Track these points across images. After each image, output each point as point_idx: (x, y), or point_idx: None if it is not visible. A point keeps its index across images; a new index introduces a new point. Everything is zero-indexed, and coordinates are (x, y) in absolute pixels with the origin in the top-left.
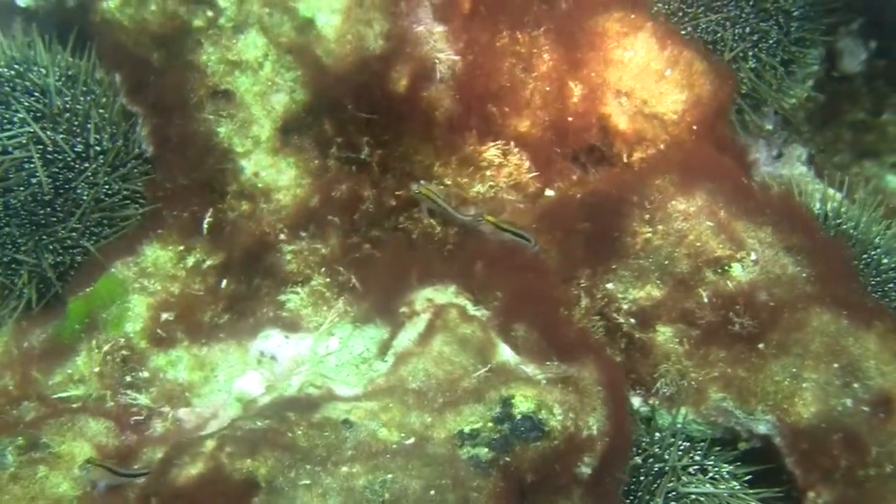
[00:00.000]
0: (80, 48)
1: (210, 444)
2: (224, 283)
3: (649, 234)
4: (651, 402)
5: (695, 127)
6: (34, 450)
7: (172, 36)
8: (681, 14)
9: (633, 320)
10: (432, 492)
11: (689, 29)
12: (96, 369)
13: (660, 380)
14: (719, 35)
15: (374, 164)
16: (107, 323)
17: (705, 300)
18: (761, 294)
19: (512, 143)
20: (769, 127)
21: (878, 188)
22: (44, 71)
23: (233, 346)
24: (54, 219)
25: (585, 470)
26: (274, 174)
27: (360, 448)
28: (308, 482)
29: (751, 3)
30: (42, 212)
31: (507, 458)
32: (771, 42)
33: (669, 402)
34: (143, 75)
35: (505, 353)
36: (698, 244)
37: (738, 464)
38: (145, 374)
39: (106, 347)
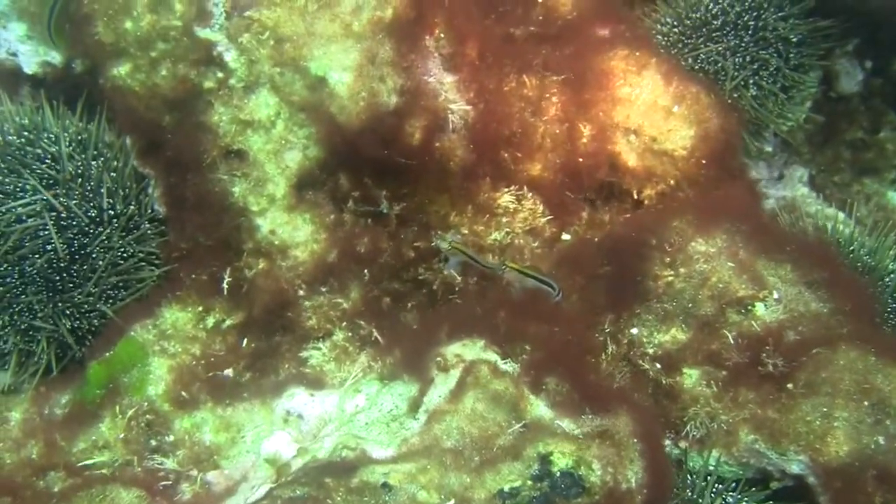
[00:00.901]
0: (88, 113)
1: None
2: (245, 341)
3: (671, 278)
4: (682, 445)
5: (704, 161)
6: None
7: (184, 99)
8: (680, 45)
9: (658, 365)
10: None
11: (690, 60)
12: (121, 435)
13: (689, 423)
14: (720, 65)
15: (392, 217)
16: (128, 387)
17: (731, 341)
18: (788, 333)
19: (525, 188)
20: (769, 149)
21: (880, 205)
22: (53, 137)
23: (257, 406)
24: (71, 284)
25: None
26: (290, 231)
27: None
28: None
29: (750, 31)
30: (58, 278)
31: None
32: (771, 69)
33: (700, 445)
34: (155, 138)
35: (539, 408)
36: (721, 286)
37: (771, 503)
38: (171, 438)
39: (130, 412)
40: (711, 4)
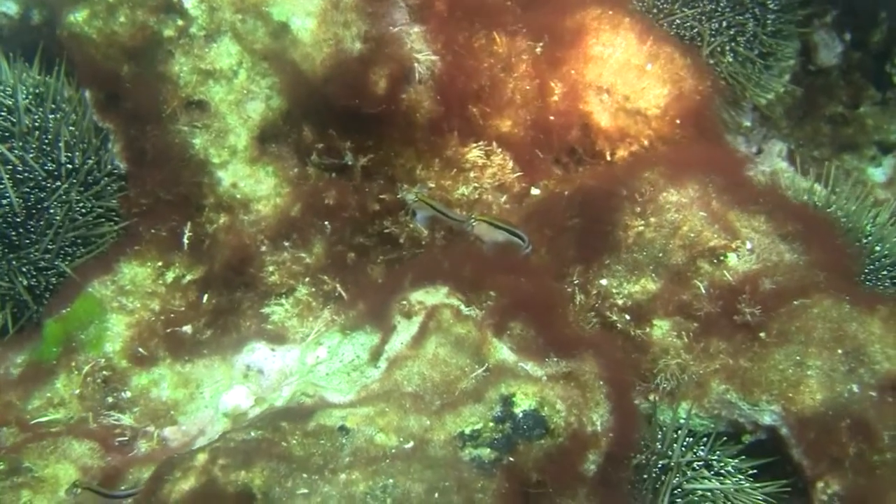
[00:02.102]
0: (47, 66)
1: (202, 458)
2: (205, 297)
3: (641, 227)
4: (651, 398)
5: (678, 121)
6: (16, 474)
7: (143, 47)
8: (655, 11)
9: (627, 316)
10: (436, 494)
11: (665, 25)
12: (76, 391)
13: (659, 375)
14: (696, 30)
15: (357, 170)
16: (85, 344)
17: (703, 291)
18: (762, 282)
19: (494, 144)
20: (747, 123)
21: (860, 181)
22: (10, 90)
23: (217, 362)
24: (27, 240)
25: (591, 467)
26: (252, 184)
27: (358, 454)
28: (306, 491)
29: None
30: (14, 234)
31: (511, 458)
32: (748, 35)
33: (670, 398)
34: (113, 89)
35: (503, 351)
36: (692, 235)
37: (743, 457)
38: (128, 394)
39: (86, 369)
40: None
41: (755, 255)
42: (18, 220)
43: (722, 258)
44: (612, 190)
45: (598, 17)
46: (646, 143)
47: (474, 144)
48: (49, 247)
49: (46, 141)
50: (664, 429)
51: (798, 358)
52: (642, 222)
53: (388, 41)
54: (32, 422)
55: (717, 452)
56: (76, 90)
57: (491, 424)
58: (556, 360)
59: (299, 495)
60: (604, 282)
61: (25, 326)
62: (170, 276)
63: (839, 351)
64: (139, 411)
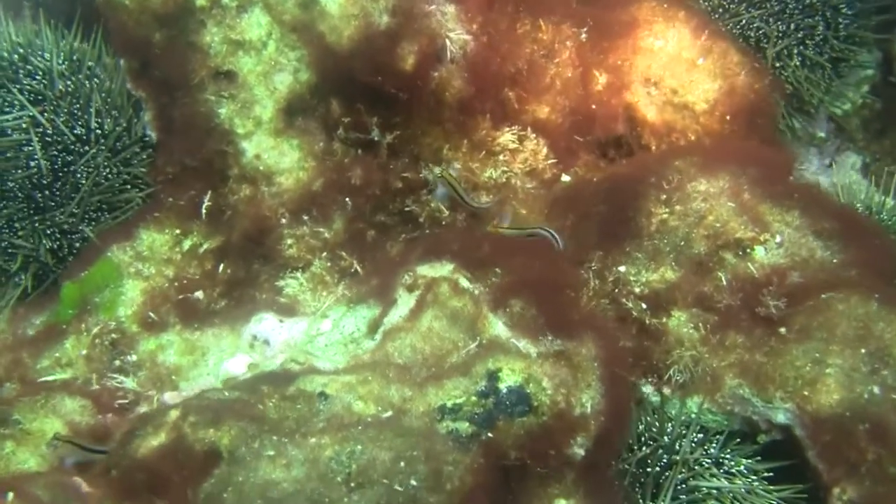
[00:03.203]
0: (88, 34)
1: (174, 414)
2: (221, 267)
3: (665, 215)
4: (663, 390)
5: (728, 118)
6: (3, 426)
7: (175, 15)
8: (721, 10)
9: (643, 305)
10: (402, 463)
11: (731, 25)
12: (84, 352)
13: (672, 367)
14: (762, 32)
15: (384, 146)
16: (100, 307)
17: (724, 283)
18: (788, 276)
19: (529, 129)
20: (822, 135)
21: None
22: (47, 55)
23: (226, 331)
24: (52, 203)
25: (578, 451)
26: (276, 156)
27: (333, 420)
28: (272, 453)
29: None
30: (40, 196)
31: (490, 434)
32: (817, 38)
33: (682, 391)
34: (145, 57)
35: (497, 327)
36: (718, 225)
37: (758, 458)
38: (134, 358)
39: (95, 330)
40: None
41: (784, 248)
42: (45, 182)
43: (749, 250)
44: (640, 177)
45: (653, 10)
46: (693, 138)
47: (507, 129)
48: (74, 210)
49: (78, 106)
50: (673, 422)
51: (817, 355)
52: (667, 210)
53: (417, 16)
54: (39, 380)
55: (730, 451)
56: (113, 58)
57: (473, 399)
58: (551, 339)
59: (265, 456)
60: (622, 269)
61: (50, 289)
62: (187, 245)
63: (862, 350)
64: (144, 375)
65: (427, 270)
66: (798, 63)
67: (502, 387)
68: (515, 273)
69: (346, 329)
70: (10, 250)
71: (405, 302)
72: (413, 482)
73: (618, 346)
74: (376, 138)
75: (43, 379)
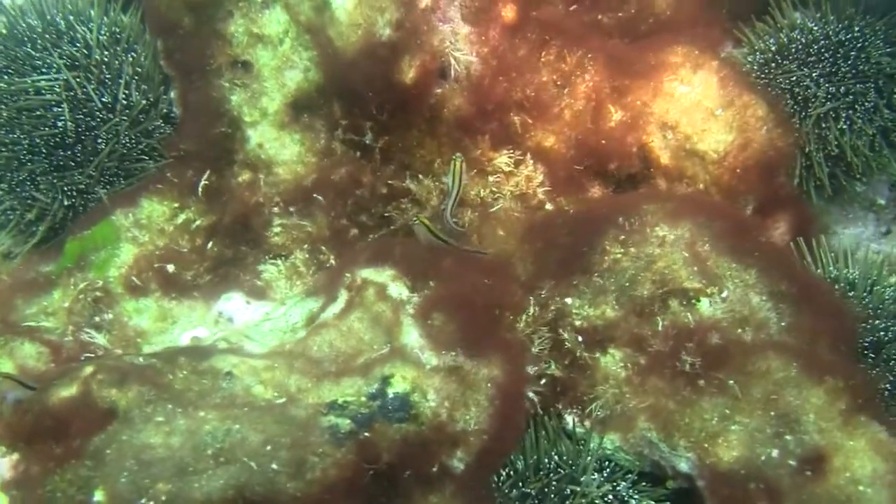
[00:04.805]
0: (135, 8)
1: (88, 370)
2: (210, 244)
3: (619, 255)
4: (585, 423)
5: (739, 171)
6: None
7: (203, 3)
8: (773, 65)
9: (580, 338)
10: (268, 447)
11: (781, 81)
12: (66, 304)
13: (595, 402)
14: (810, 91)
15: (377, 152)
16: (93, 265)
17: (660, 329)
18: (716, 333)
19: (528, 155)
20: (882, 201)
21: None
22: (92, 26)
23: (200, 304)
24: (73, 163)
25: (458, 465)
26: (277, 147)
27: (229, 399)
28: (161, 419)
29: (849, 62)
30: (62, 155)
31: (367, 434)
32: (868, 105)
33: (602, 426)
34: (173, 39)
35: (410, 336)
36: (666, 272)
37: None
38: (109, 317)
39: (81, 286)
40: (815, 26)
41: (727, 304)
42: (68, 143)
43: (694, 301)
44: (608, 216)
45: (685, 55)
46: (701, 186)
47: (505, 151)
48: (92, 173)
49: (108, 76)
50: (584, 455)
51: (727, 411)
52: (621, 250)
53: (421, 32)
54: (23, 324)
55: (639, 492)
56: (152, 36)
57: (363, 399)
58: (453, 354)
59: (154, 422)
60: (568, 300)
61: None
62: (181, 219)
63: (771, 413)
64: (116, 334)
65: (370, 273)
66: (845, 127)
67: (390, 392)
68: (450, 286)
69: (291, 318)
70: (29, 202)
71: (342, 300)
72: (274, 466)
73: (522, 372)
74: (368, 143)
75: (27, 324)
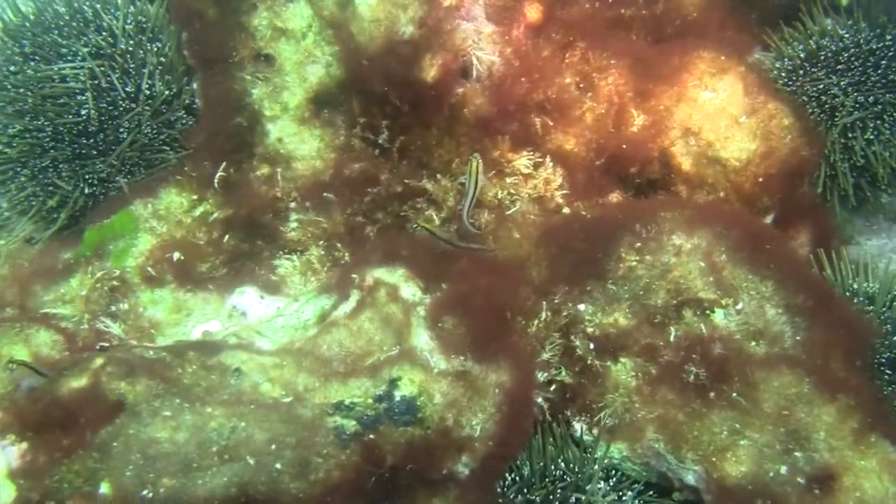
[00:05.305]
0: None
1: (98, 362)
2: (227, 237)
3: (634, 263)
4: (594, 431)
5: (761, 179)
6: None
7: None
8: (802, 72)
9: (591, 345)
10: (273, 446)
11: (808, 88)
12: (84, 293)
13: (604, 410)
14: (838, 100)
15: (394, 150)
16: (112, 254)
17: (672, 339)
18: (729, 345)
19: (548, 158)
20: None
21: None
22: (119, 15)
23: (214, 297)
24: (95, 152)
25: (463, 469)
26: (297, 142)
27: (237, 396)
28: (168, 414)
29: (879, 71)
30: (85, 143)
31: (372, 436)
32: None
33: (610, 435)
34: (197, 30)
35: (420, 338)
36: (681, 281)
37: None
38: (125, 307)
39: (99, 275)
40: (846, 33)
41: (741, 316)
42: (91, 131)
43: (709, 312)
44: (624, 222)
45: (711, 61)
46: (722, 193)
47: (526, 153)
48: (113, 162)
49: (132, 66)
50: (590, 462)
51: (737, 425)
52: (637, 258)
53: (443, 31)
54: (40, 311)
55: (644, 502)
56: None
57: (370, 401)
58: (462, 359)
59: (161, 416)
60: (581, 307)
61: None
62: (199, 211)
63: (781, 429)
64: (131, 324)
65: (382, 273)
66: (872, 137)
67: (397, 395)
68: (462, 289)
69: (303, 315)
70: (50, 189)
71: (353, 300)
72: (277, 465)
73: (530, 379)
74: (382, 141)
75: (44, 311)
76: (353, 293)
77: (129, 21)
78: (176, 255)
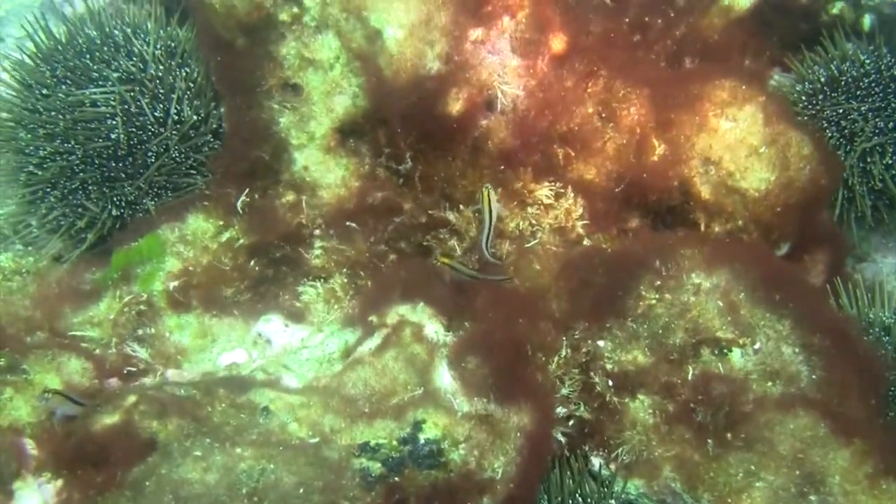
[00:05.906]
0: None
1: (130, 399)
2: (252, 263)
3: (654, 301)
4: (611, 466)
5: (779, 209)
6: (12, 372)
7: (257, 26)
8: (822, 97)
9: (610, 382)
10: (301, 490)
11: (828, 113)
12: (112, 317)
13: (621, 446)
14: (857, 125)
15: (416, 180)
16: (139, 278)
17: (689, 378)
18: (745, 384)
19: (570, 188)
20: None
21: None
22: (148, 40)
23: (239, 323)
24: (123, 175)
25: None
26: (322, 171)
27: (265, 436)
28: (199, 454)
29: None
30: (114, 166)
31: (396, 479)
32: None
33: (626, 471)
34: (225, 58)
35: (443, 379)
36: (700, 321)
37: None
38: (152, 332)
39: (127, 299)
40: (867, 59)
41: (758, 356)
42: (120, 155)
43: (726, 351)
44: (644, 259)
45: (731, 90)
46: (740, 223)
47: (547, 183)
48: (141, 185)
49: (162, 91)
50: (605, 497)
51: (752, 467)
52: (656, 296)
53: (469, 66)
54: (69, 333)
55: None
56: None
57: (395, 443)
58: (485, 401)
59: (192, 456)
60: (601, 343)
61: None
62: (225, 237)
63: (797, 472)
64: (156, 349)
65: (406, 311)
66: (891, 162)
67: (421, 437)
68: (484, 327)
69: (328, 348)
70: (79, 210)
71: (378, 336)
72: None
73: (551, 419)
74: (406, 172)
75: (72, 333)
76: (379, 329)
77: (158, 46)
78: (196, 280)
